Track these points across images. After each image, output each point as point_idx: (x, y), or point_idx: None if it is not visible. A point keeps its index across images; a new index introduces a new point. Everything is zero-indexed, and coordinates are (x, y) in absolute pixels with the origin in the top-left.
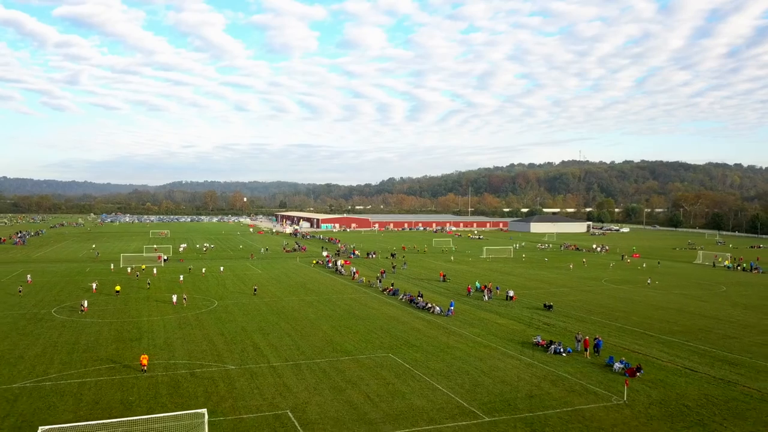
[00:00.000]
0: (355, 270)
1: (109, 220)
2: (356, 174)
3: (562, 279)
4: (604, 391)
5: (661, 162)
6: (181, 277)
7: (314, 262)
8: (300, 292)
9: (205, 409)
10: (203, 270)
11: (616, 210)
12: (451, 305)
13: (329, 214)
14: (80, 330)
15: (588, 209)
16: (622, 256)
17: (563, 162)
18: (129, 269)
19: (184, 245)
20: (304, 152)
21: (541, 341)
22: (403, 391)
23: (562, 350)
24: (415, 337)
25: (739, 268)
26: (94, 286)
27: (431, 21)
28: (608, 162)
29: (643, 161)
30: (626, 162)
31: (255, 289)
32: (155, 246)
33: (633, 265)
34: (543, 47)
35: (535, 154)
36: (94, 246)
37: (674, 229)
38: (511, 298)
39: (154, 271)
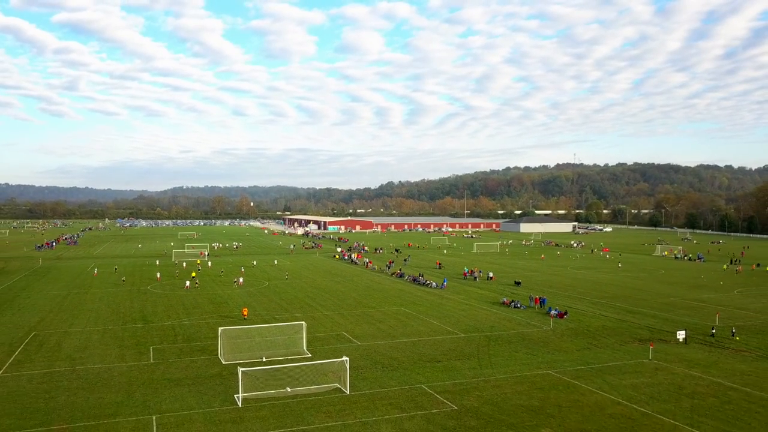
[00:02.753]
0: (368, 260)
1: (127, 224)
2: (355, 178)
3: (535, 266)
4: (539, 324)
5: (653, 164)
6: (242, 268)
7: (336, 256)
8: (328, 276)
9: (304, 322)
10: (254, 262)
11: (605, 211)
12: (444, 281)
13: (333, 217)
14: (180, 298)
15: (578, 211)
16: (592, 249)
17: (558, 165)
18: (184, 263)
19: (218, 244)
20: (303, 156)
21: (506, 300)
22: (411, 324)
23: (519, 305)
24: (417, 300)
25: (686, 258)
26: (158, 275)
27: (429, 25)
28: (602, 165)
29: (636, 164)
30: (619, 164)
31: (287, 275)
32: (193, 245)
33: (599, 257)
34: (541, 50)
35: (533, 156)
36: (140, 245)
37: (654, 228)
38: (491, 278)
39: (209, 264)
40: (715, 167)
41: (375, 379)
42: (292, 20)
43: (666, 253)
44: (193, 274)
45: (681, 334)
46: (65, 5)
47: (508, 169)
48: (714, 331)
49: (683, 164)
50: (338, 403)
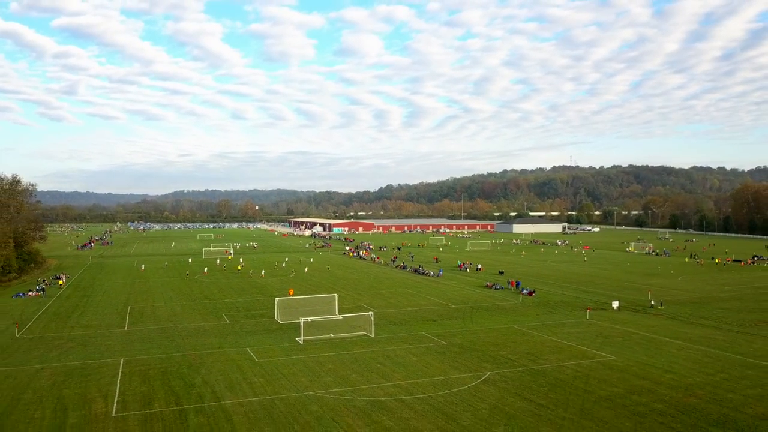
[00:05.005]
0: (375, 256)
1: (141, 227)
2: (354, 180)
3: (519, 260)
4: (512, 299)
5: (646, 166)
6: (284, 263)
7: (351, 254)
8: (342, 268)
9: (336, 294)
10: (285, 259)
11: (596, 213)
12: (440, 271)
13: (336, 219)
14: (227, 283)
15: (571, 212)
16: (572, 247)
17: (554, 167)
18: (218, 260)
19: (237, 244)
20: (302, 159)
21: (489, 284)
22: (414, 299)
23: (499, 287)
24: (418, 285)
25: (653, 253)
26: (205, 270)
27: (428, 28)
28: (597, 167)
29: (630, 166)
30: (614, 167)
31: (327, 268)
32: (216, 244)
33: (577, 253)
34: (539, 52)
35: (530, 159)
36: (173, 244)
37: (639, 228)
38: (480, 269)
39: (240, 260)
40: (708, 169)
41: (390, 330)
42: (292, 24)
43: (631, 248)
44: (239, 268)
45: (615, 304)
46: (65, 10)
47: (505, 171)
48: (652, 303)
49: (678, 166)
50: (367, 341)
